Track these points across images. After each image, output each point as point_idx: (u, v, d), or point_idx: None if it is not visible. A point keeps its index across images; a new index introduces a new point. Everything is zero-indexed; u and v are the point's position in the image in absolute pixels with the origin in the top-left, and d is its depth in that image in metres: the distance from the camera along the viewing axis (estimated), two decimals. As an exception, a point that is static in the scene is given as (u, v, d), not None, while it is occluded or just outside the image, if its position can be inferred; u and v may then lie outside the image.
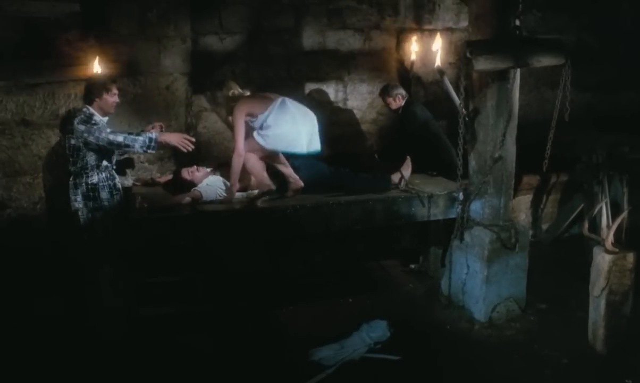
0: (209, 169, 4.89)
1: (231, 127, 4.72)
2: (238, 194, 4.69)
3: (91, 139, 4.26)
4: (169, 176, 4.96)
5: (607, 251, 4.11)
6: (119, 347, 4.25)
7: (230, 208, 4.53)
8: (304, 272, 5.39)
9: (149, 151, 4.29)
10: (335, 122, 5.90)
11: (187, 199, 4.49)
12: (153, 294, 4.63)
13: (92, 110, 4.37)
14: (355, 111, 5.97)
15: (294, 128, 4.55)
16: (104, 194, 4.40)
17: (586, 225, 4.48)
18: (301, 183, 4.74)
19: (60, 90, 4.90)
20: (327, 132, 5.50)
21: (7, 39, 4.65)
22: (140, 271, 4.51)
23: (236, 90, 4.79)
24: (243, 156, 4.54)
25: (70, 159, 4.38)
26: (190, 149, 4.34)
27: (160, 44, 5.23)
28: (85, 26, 4.90)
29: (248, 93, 4.88)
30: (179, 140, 4.33)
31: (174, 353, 4.24)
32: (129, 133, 4.31)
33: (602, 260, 4.12)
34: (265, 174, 4.72)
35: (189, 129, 5.43)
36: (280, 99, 4.60)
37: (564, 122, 4.40)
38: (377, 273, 5.53)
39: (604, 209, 4.54)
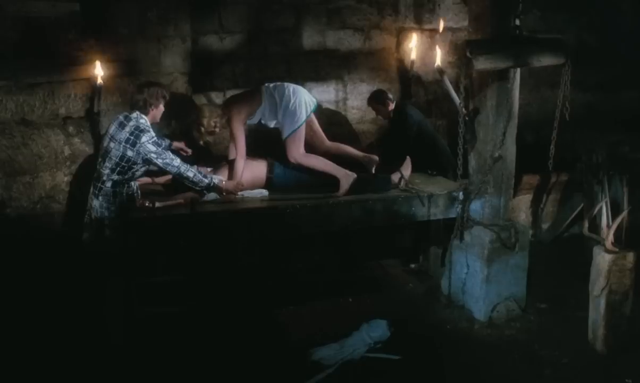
0: (209, 169, 4.89)
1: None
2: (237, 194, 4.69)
3: (159, 162, 4.27)
4: (169, 176, 4.96)
5: (607, 251, 4.11)
6: (123, 347, 4.25)
7: (230, 208, 4.53)
8: (304, 272, 5.38)
9: (203, 190, 4.48)
10: (335, 122, 5.89)
11: (187, 198, 4.49)
12: (153, 294, 4.62)
13: (148, 122, 4.35)
14: (355, 111, 5.97)
15: (295, 93, 4.82)
16: (133, 204, 4.40)
17: (586, 225, 4.48)
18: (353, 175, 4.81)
19: (60, 90, 4.90)
20: (327, 132, 5.50)
21: (7, 39, 4.65)
22: (140, 270, 4.50)
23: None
24: (245, 158, 4.71)
25: (118, 168, 4.26)
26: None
27: (160, 43, 5.23)
28: (86, 26, 4.89)
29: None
30: (234, 188, 4.58)
31: (174, 352, 4.24)
32: (198, 171, 4.43)
33: (602, 260, 4.12)
34: (333, 164, 4.84)
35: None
36: (264, 88, 4.84)
37: (564, 122, 4.40)
38: (377, 272, 5.53)
39: (604, 208, 4.54)
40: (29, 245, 4.72)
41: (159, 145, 4.31)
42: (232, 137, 4.80)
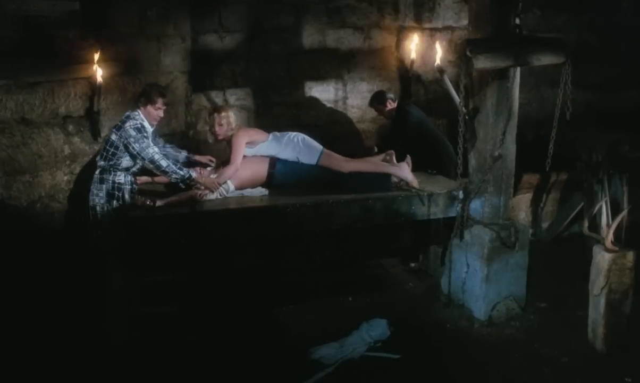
0: (208, 168, 4.90)
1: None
2: (237, 193, 4.69)
3: (135, 147, 4.36)
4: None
5: (607, 250, 4.11)
6: (122, 346, 4.26)
7: (229, 207, 4.52)
8: (304, 271, 5.38)
9: (178, 183, 4.48)
10: (335, 121, 5.90)
11: (187, 197, 4.49)
12: (153, 292, 4.63)
13: (142, 117, 4.47)
14: (355, 110, 5.97)
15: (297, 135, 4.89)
16: (127, 196, 4.47)
17: (586, 224, 4.48)
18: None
19: (60, 89, 4.89)
20: (327, 131, 5.51)
21: (7, 38, 4.64)
22: (140, 269, 4.50)
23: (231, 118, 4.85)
24: (238, 168, 4.70)
25: (104, 153, 4.43)
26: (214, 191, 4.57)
27: (160, 42, 5.23)
28: (85, 25, 4.89)
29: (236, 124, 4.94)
30: (212, 186, 4.54)
31: (175, 351, 4.24)
32: (174, 163, 4.51)
33: (602, 259, 4.12)
34: (380, 163, 4.96)
35: (188, 127, 5.44)
36: (271, 134, 4.88)
37: (564, 121, 4.39)
38: (377, 271, 5.53)
39: (603, 208, 4.53)
40: (29, 244, 4.72)
41: (139, 130, 4.38)
42: (231, 147, 4.73)
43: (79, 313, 4.51)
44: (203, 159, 4.97)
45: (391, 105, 5.42)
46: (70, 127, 4.99)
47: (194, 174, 4.50)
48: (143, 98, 4.52)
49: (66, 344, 4.27)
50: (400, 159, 4.97)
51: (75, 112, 4.98)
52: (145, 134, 4.42)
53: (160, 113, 4.58)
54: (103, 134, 5.05)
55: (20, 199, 4.85)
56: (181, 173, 4.45)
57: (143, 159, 4.40)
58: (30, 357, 4.14)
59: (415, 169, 5.05)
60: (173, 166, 4.44)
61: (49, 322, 4.47)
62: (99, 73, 4.78)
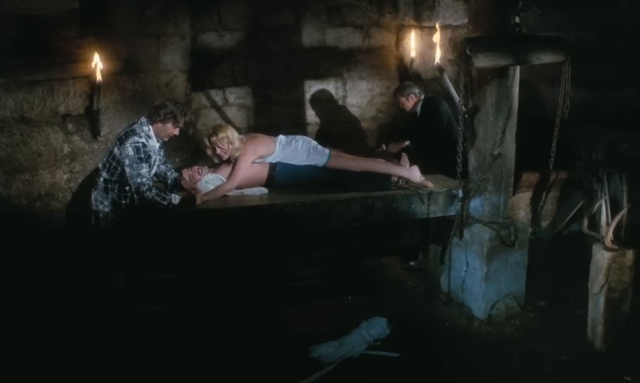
0: (206, 166, 4.89)
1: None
2: (237, 192, 4.68)
3: (127, 169, 4.18)
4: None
5: (607, 249, 4.12)
6: (123, 345, 4.26)
7: (229, 206, 4.52)
8: (304, 270, 5.38)
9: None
10: (334, 120, 5.90)
11: (187, 196, 4.49)
12: (153, 292, 4.63)
13: (148, 133, 4.29)
14: (354, 108, 5.97)
15: (305, 141, 4.84)
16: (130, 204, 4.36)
17: (586, 223, 4.48)
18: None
19: (60, 87, 4.89)
20: (327, 130, 5.51)
21: (6, 37, 4.65)
22: (140, 269, 4.50)
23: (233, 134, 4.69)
24: (235, 188, 4.63)
25: (107, 164, 4.30)
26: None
27: (159, 41, 5.22)
28: (84, 23, 4.89)
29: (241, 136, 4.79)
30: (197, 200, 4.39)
31: (175, 350, 4.24)
32: (159, 192, 4.23)
33: (601, 257, 4.13)
34: (389, 164, 4.93)
35: (188, 126, 5.42)
36: (278, 140, 4.77)
37: (563, 120, 4.40)
38: (376, 270, 5.53)
39: (603, 206, 4.53)
40: (28, 243, 4.71)
41: (138, 151, 4.18)
42: (235, 166, 4.64)
43: (80, 312, 4.51)
44: (187, 174, 4.71)
45: (411, 100, 5.32)
46: (70, 126, 4.98)
47: (176, 201, 4.28)
48: (163, 114, 4.27)
49: (67, 343, 4.27)
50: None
51: (75, 111, 4.98)
52: (142, 156, 4.19)
53: (177, 132, 4.42)
54: (102, 133, 5.05)
55: (20, 198, 4.85)
56: (164, 203, 4.23)
57: (132, 184, 4.22)
58: (30, 357, 4.14)
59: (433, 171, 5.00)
60: (157, 198, 4.19)
61: (49, 322, 4.46)
62: (98, 71, 4.78)
